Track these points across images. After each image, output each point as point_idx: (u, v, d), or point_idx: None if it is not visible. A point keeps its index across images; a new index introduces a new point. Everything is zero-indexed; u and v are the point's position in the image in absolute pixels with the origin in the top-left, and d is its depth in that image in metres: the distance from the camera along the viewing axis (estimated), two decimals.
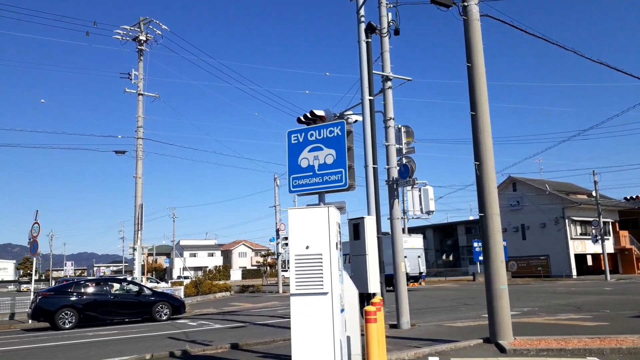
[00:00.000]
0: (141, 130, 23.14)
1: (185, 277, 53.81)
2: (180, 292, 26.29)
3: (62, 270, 71.32)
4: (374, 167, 7.36)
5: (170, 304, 16.50)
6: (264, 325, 14.04)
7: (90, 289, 15.75)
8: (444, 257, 60.58)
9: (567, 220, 42.39)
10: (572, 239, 42.56)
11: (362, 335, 6.09)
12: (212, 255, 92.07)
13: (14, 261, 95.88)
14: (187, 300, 23.41)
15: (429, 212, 12.63)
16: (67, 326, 14.49)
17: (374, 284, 6.98)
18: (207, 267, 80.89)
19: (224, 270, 77.40)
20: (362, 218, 7.23)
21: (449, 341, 8.97)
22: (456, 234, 56.69)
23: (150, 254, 69.81)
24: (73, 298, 15.02)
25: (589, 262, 45.09)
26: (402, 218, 12.46)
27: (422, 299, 21.48)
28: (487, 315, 8.85)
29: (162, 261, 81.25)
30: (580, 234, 43.45)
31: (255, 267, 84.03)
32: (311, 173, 6.84)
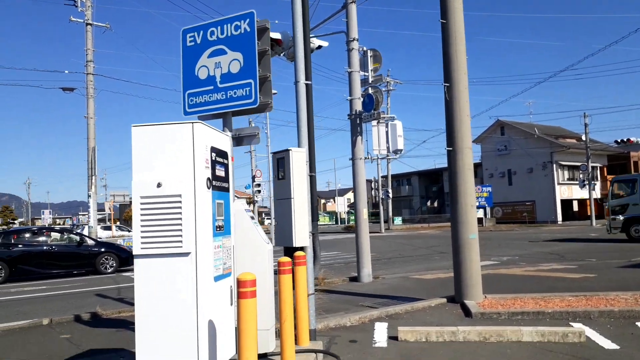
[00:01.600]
0: (91, 65, 20.83)
1: None
2: None
3: (40, 219, 69.79)
4: (306, 84, 5.53)
5: (117, 256, 14.95)
6: None
7: (23, 240, 14.11)
8: (429, 203, 59.72)
9: (554, 165, 41.11)
10: (559, 184, 41.46)
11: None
12: None
13: None
14: None
15: (396, 151, 10.96)
16: None
17: (302, 236, 5.34)
18: None
19: None
20: (288, 151, 5.49)
21: (407, 300, 7.50)
22: (441, 180, 55.46)
23: (130, 202, 68.14)
24: (1, 249, 13.39)
25: (575, 207, 44.29)
26: (365, 158, 10.75)
27: (396, 247, 20.23)
28: None
29: None
30: (568, 179, 42.35)
31: None
32: (212, 87, 5.03)
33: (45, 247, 13.93)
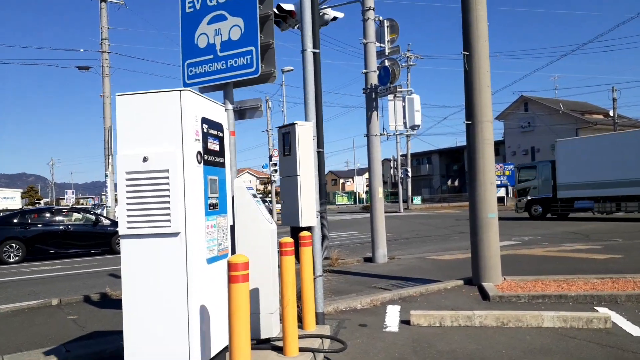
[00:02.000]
0: (106, 42, 20.68)
1: None
2: None
3: (64, 199, 71.03)
4: (313, 52, 5.19)
5: None
6: None
7: (40, 220, 14.18)
8: (449, 182, 58.89)
9: None
10: None
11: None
12: None
13: (21, 190, 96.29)
14: None
15: (413, 127, 10.53)
16: (12, 260, 13.05)
17: (308, 215, 5.06)
18: None
19: None
20: (293, 125, 5.18)
21: (422, 282, 7.20)
22: (462, 158, 54.45)
23: None
24: (19, 229, 13.47)
25: None
26: (381, 135, 10.37)
27: (414, 227, 19.88)
28: None
29: None
30: None
31: (261, 195, 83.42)
32: (211, 56, 4.71)
33: (61, 227, 13.98)
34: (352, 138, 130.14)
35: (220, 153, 3.53)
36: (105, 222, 15.01)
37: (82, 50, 21.04)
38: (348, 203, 68.20)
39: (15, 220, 13.81)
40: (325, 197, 5.42)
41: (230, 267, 2.78)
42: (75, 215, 15.07)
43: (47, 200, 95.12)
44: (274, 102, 32.43)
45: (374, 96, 10.23)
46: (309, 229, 5.17)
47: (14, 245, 13.19)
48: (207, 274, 3.23)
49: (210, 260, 3.27)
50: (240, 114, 4.98)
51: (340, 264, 9.87)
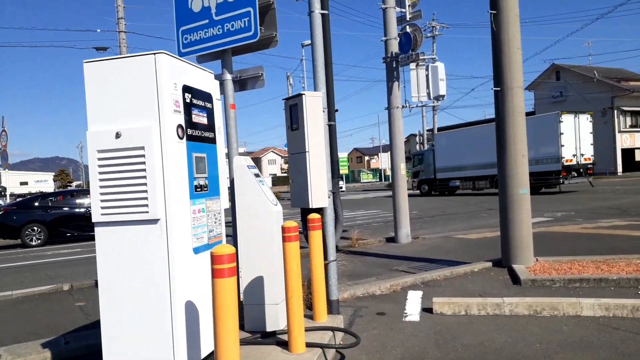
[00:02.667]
0: (122, 22, 20.36)
1: None
2: None
3: None
4: (322, 13, 4.67)
5: None
6: None
7: (61, 203, 14.17)
8: None
9: (615, 111, 38.11)
10: (620, 132, 38.51)
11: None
12: None
13: (53, 173, 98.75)
14: None
15: (438, 97, 9.89)
16: (34, 243, 13.11)
17: (319, 195, 4.62)
18: None
19: None
20: (300, 95, 4.70)
21: (447, 264, 6.73)
22: None
23: None
24: (40, 212, 13.49)
25: (638, 157, 41.26)
26: (403, 107, 9.78)
27: (441, 204, 19.26)
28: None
29: None
30: (630, 126, 39.23)
31: (286, 174, 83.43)
32: (207, 21, 4.25)
33: (82, 210, 13.94)
34: (377, 114, 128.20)
35: (209, 127, 3.10)
36: None
37: (98, 30, 20.79)
38: (373, 180, 67.53)
39: (36, 204, 13.82)
40: (338, 175, 4.96)
41: (214, 259, 2.38)
42: None
43: (79, 182, 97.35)
44: (295, 78, 31.77)
45: (394, 65, 9.62)
46: (320, 210, 4.74)
47: (36, 228, 13.22)
48: (195, 265, 2.83)
49: (198, 250, 2.88)
50: (241, 84, 4.53)
51: (361, 244, 9.45)
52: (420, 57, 9.45)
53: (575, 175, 20.58)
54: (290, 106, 4.83)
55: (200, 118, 2.98)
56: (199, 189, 2.91)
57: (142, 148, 2.61)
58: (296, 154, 4.78)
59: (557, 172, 20.17)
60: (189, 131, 2.84)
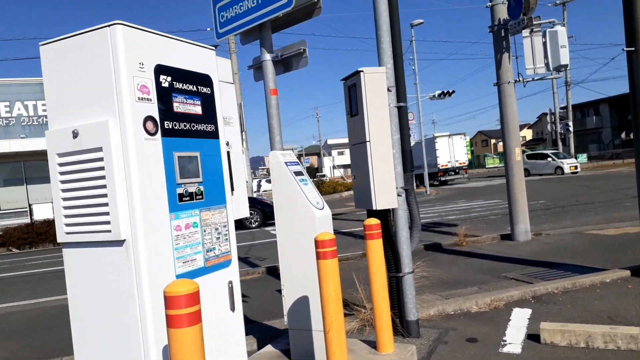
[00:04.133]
0: None
1: (322, 176, 53.87)
2: None
3: None
4: None
5: (261, 211, 14.93)
6: (347, 234, 11.56)
7: None
8: (623, 135, 50.47)
9: None
10: None
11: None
12: None
13: None
14: None
15: (559, 68, 8.27)
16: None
17: (384, 195, 3.76)
18: None
19: None
20: (358, 73, 3.86)
21: (571, 270, 5.40)
22: None
23: (300, 155, 72.90)
24: None
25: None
26: (516, 81, 8.34)
27: (575, 191, 16.79)
28: None
29: (313, 161, 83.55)
30: None
31: None
32: None
33: None
34: None
35: (206, 117, 2.45)
36: None
37: (208, 29, 21.58)
38: (500, 165, 62.98)
39: None
40: (411, 168, 4.05)
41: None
42: None
43: None
44: (406, 58, 30.27)
45: (503, 34, 8.23)
46: (385, 212, 3.90)
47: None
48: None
49: (185, 277, 2.24)
50: (286, 64, 3.84)
51: (469, 242, 8.27)
52: (535, 22, 7.94)
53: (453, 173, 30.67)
54: (349, 87, 4.03)
55: (188, 107, 2.33)
56: (187, 198, 2.28)
57: (100, 149, 2.04)
58: (356, 145, 3.97)
59: (436, 172, 30.01)
60: (168, 124, 2.21)
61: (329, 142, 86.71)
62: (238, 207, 2.71)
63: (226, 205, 2.52)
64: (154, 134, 2.14)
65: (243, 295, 5.60)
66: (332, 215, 3.54)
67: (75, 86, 2.13)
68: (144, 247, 2.05)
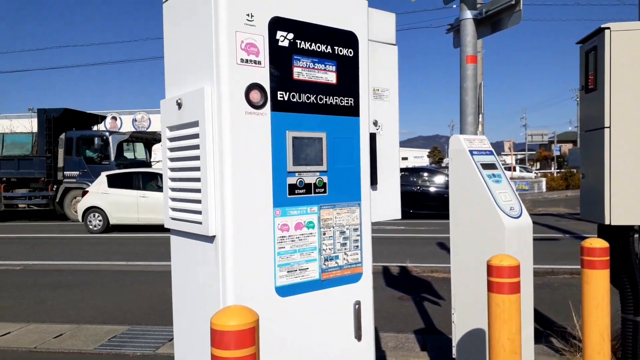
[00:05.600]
0: None
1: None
2: (541, 185, 22.37)
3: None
4: None
5: None
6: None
7: (412, 180, 14.65)
8: None
9: None
10: None
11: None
12: None
13: (427, 150, 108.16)
14: (552, 195, 19.88)
15: None
16: None
17: (629, 204, 2.57)
18: None
19: None
20: (602, 31, 2.70)
21: None
22: None
23: (551, 142, 65.92)
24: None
25: None
26: None
27: None
28: None
29: (565, 149, 74.20)
30: None
31: None
32: None
33: (413, 188, 14.01)
34: None
35: (345, 88, 1.87)
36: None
37: (454, 6, 20.45)
38: None
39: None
40: None
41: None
42: (430, 176, 14.84)
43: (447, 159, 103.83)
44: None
45: None
46: (626, 232, 2.73)
47: None
48: (279, 317, 1.72)
49: (289, 291, 1.74)
50: (493, 23, 2.93)
51: None
52: None
53: None
54: (586, 52, 2.90)
55: (316, 73, 1.78)
56: (302, 190, 1.75)
57: (197, 124, 1.67)
58: (590, 132, 2.85)
59: None
60: (282, 95, 1.70)
61: None
62: (382, 206, 2.08)
63: (360, 203, 1.92)
64: (260, 107, 1.66)
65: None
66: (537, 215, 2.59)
67: (183, 46, 1.80)
68: (232, 247, 1.62)
